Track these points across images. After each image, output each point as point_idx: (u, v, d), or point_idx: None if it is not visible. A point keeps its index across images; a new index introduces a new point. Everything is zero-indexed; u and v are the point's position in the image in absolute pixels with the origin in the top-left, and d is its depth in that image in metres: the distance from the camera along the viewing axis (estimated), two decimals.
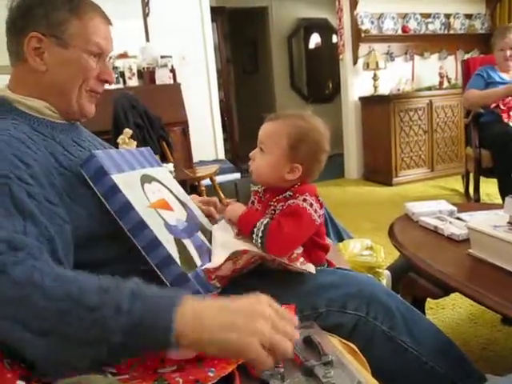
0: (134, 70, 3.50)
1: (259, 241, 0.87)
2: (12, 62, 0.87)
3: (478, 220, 1.21)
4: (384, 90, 4.30)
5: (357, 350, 0.75)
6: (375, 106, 4.23)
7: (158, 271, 0.78)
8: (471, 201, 3.03)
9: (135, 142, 2.46)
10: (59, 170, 0.77)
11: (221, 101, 4.53)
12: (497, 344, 1.48)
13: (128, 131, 2.44)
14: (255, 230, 0.88)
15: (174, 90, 3.52)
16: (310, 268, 0.88)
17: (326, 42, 6.39)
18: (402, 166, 4.13)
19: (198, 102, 3.82)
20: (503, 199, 1.11)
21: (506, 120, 2.63)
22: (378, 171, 4.27)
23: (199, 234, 0.94)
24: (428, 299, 1.35)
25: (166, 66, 3.55)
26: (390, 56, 4.39)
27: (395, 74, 4.37)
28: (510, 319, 1.30)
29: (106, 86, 0.95)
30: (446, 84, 4.46)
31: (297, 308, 0.79)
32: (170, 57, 3.59)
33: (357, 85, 4.35)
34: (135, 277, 0.81)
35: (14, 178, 0.67)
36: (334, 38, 5.91)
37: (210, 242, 0.95)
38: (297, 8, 6.10)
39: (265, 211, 0.96)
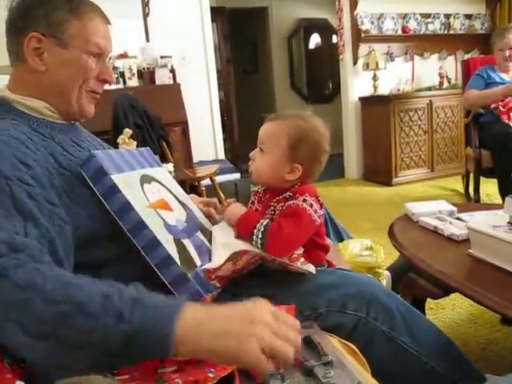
0: (134, 70, 3.50)
1: (259, 242, 0.87)
2: (12, 62, 0.87)
3: (478, 220, 1.21)
4: (384, 90, 4.30)
5: (357, 350, 0.75)
6: (375, 106, 4.23)
7: (157, 271, 0.78)
8: (471, 201, 3.03)
9: (135, 142, 2.46)
10: (59, 170, 0.77)
11: (221, 101, 4.52)
12: (496, 344, 1.48)
13: (128, 131, 2.44)
14: (255, 231, 0.88)
15: (174, 90, 3.52)
16: (310, 268, 0.88)
17: (326, 42, 6.39)
18: (401, 166, 4.13)
19: (197, 102, 3.82)
20: (503, 199, 1.11)
21: (506, 121, 2.62)
22: (378, 171, 4.27)
23: (199, 234, 0.94)
24: (428, 299, 1.35)
25: (165, 66, 3.56)
26: (390, 56, 4.39)
27: (395, 75, 4.37)
28: (509, 319, 1.30)
29: (106, 86, 0.95)
30: (445, 84, 4.46)
31: (297, 308, 0.79)
32: (170, 57, 3.59)
33: (357, 85, 4.35)
34: (136, 278, 0.82)
35: (14, 179, 0.67)
36: (334, 39, 5.92)
37: (210, 242, 0.95)
38: (297, 8, 6.10)
39: (265, 211, 0.96)
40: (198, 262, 0.85)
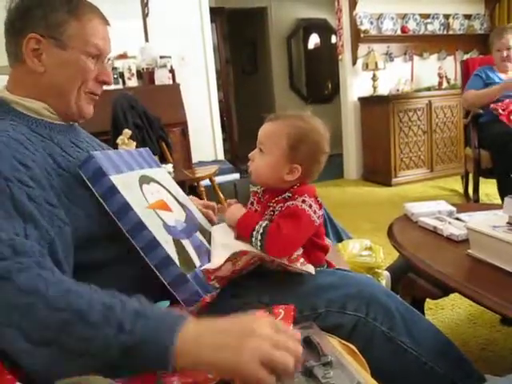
0: (134, 71, 3.50)
1: (259, 244, 0.87)
2: (10, 63, 0.87)
3: (477, 220, 1.21)
4: (383, 90, 4.30)
5: (356, 350, 0.75)
6: (374, 106, 4.23)
7: (156, 272, 0.78)
8: (470, 201, 3.04)
9: (134, 143, 2.46)
10: (57, 170, 0.77)
11: (220, 101, 4.52)
12: (496, 344, 1.48)
13: (127, 132, 2.44)
14: (254, 233, 0.88)
15: (174, 90, 3.52)
16: (310, 269, 0.88)
17: (325, 43, 6.40)
18: (401, 166, 4.13)
19: (197, 102, 3.82)
20: (502, 199, 1.11)
21: (506, 123, 2.61)
22: (378, 172, 4.27)
23: (198, 234, 0.94)
24: (427, 300, 1.34)
25: (165, 66, 3.56)
26: (389, 56, 4.40)
27: (394, 75, 4.38)
28: (509, 319, 1.30)
29: (105, 87, 0.95)
30: (445, 84, 4.46)
31: (296, 308, 0.78)
32: (170, 57, 3.59)
33: (356, 85, 4.35)
34: (135, 278, 0.82)
35: (14, 180, 0.67)
36: (333, 39, 5.92)
37: (209, 242, 0.95)
38: (296, 8, 6.10)
39: (264, 212, 0.96)
40: (197, 262, 0.85)
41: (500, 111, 2.60)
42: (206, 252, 0.91)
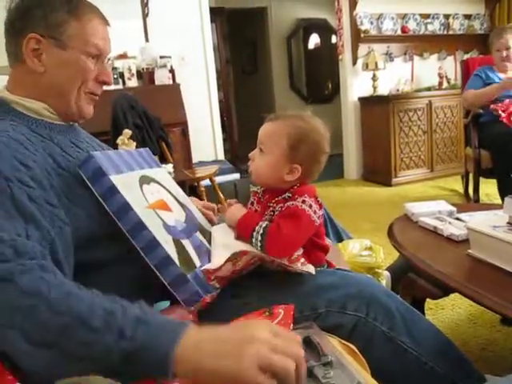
0: (134, 71, 3.50)
1: (259, 244, 0.87)
2: (10, 63, 0.86)
3: (478, 220, 1.21)
4: (383, 90, 4.30)
5: (356, 350, 0.75)
6: (374, 106, 4.23)
7: (156, 272, 0.78)
8: (471, 201, 3.03)
9: (134, 143, 2.46)
10: (57, 170, 0.77)
11: (220, 101, 4.52)
12: (496, 344, 1.48)
13: (127, 132, 2.43)
14: (254, 233, 0.88)
15: (174, 90, 3.52)
16: (310, 269, 0.88)
17: (326, 43, 6.40)
18: (401, 166, 4.13)
19: (197, 102, 3.82)
20: (503, 199, 1.11)
21: (507, 123, 2.61)
22: (378, 171, 4.27)
23: (198, 234, 0.93)
24: (427, 300, 1.34)
25: (165, 66, 3.56)
26: (390, 56, 4.40)
27: (394, 75, 4.38)
28: (509, 319, 1.30)
29: (105, 87, 0.95)
30: (445, 84, 4.46)
31: (296, 309, 0.78)
32: (170, 57, 3.59)
33: (356, 85, 4.35)
34: (135, 278, 0.82)
35: (15, 181, 0.67)
36: (334, 39, 5.92)
37: (209, 242, 0.95)
38: (296, 8, 6.10)
39: (264, 212, 0.96)
40: (197, 262, 0.85)
41: (500, 113, 2.60)
42: (206, 252, 0.91)
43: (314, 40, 6.49)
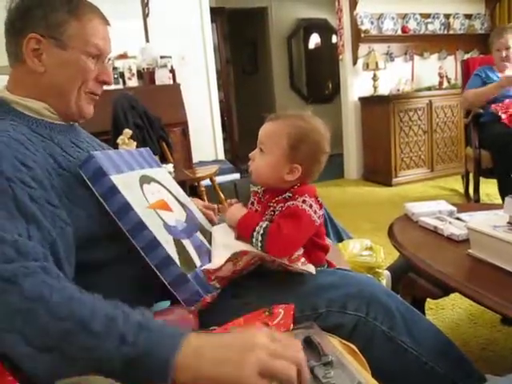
0: (134, 71, 3.50)
1: (259, 244, 0.87)
2: (11, 63, 0.86)
3: (478, 220, 1.20)
4: (384, 90, 4.30)
5: (357, 350, 0.75)
6: (375, 106, 4.23)
7: (157, 272, 0.78)
8: (471, 201, 3.03)
9: (135, 143, 2.46)
10: (58, 170, 0.77)
11: (220, 101, 4.52)
12: (496, 344, 1.48)
13: (128, 132, 2.43)
14: (255, 233, 0.88)
15: (174, 90, 3.52)
16: (310, 268, 0.88)
17: (326, 43, 6.39)
18: (401, 166, 4.13)
19: (197, 102, 3.82)
20: (503, 199, 1.11)
21: (508, 124, 2.61)
22: (378, 171, 4.27)
23: (198, 234, 0.94)
24: (428, 299, 1.34)
25: (165, 66, 3.56)
26: (390, 56, 4.39)
27: (395, 75, 4.37)
28: (509, 319, 1.30)
29: (106, 87, 0.95)
30: (445, 84, 4.46)
31: (297, 308, 0.78)
32: (170, 57, 3.59)
33: (356, 85, 4.35)
34: (136, 278, 0.82)
35: (16, 181, 0.67)
36: (334, 39, 5.92)
37: (210, 242, 0.95)
38: (296, 8, 6.10)
39: (264, 212, 0.96)
40: (197, 262, 0.85)
41: (501, 115, 2.60)
42: (207, 252, 0.91)
43: (314, 40, 6.48)
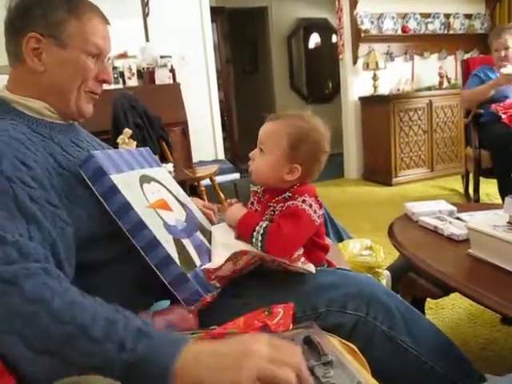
0: (134, 70, 3.50)
1: (259, 244, 0.87)
2: (10, 62, 0.86)
3: (478, 220, 1.21)
4: (384, 89, 4.30)
5: (356, 350, 0.75)
6: (375, 106, 4.23)
7: (157, 271, 0.78)
8: (471, 201, 3.03)
9: (135, 142, 2.46)
10: (58, 170, 0.77)
11: (220, 101, 4.52)
12: (496, 344, 1.48)
13: (128, 131, 2.43)
14: (254, 233, 0.88)
15: (174, 90, 3.52)
16: (311, 268, 0.88)
17: (326, 42, 6.39)
18: (401, 166, 4.12)
19: (197, 102, 3.82)
20: (503, 199, 1.11)
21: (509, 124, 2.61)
22: (378, 171, 4.27)
23: (198, 233, 0.94)
24: (428, 299, 1.35)
25: (165, 65, 3.56)
26: (390, 56, 4.39)
27: (395, 74, 4.37)
28: (509, 319, 1.30)
29: (106, 86, 0.95)
30: (445, 84, 4.46)
31: (297, 308, 0.78)
32: (170, 57, 3.59)
33: (356, 85, 4.34)
34: (136, 278, 0.82)
35: (17, 181, 0.67)
36: (334, 38, 5.92)
37: (210, 242, 0.95)
38: (296, 8, 6.10)
39: (264, 212, 0.96)
40: (197, 262, 0.85)
41: (502, 115, 2.60)
42: (207, 251, 0.91)
43: (314, 39, 6.48)
